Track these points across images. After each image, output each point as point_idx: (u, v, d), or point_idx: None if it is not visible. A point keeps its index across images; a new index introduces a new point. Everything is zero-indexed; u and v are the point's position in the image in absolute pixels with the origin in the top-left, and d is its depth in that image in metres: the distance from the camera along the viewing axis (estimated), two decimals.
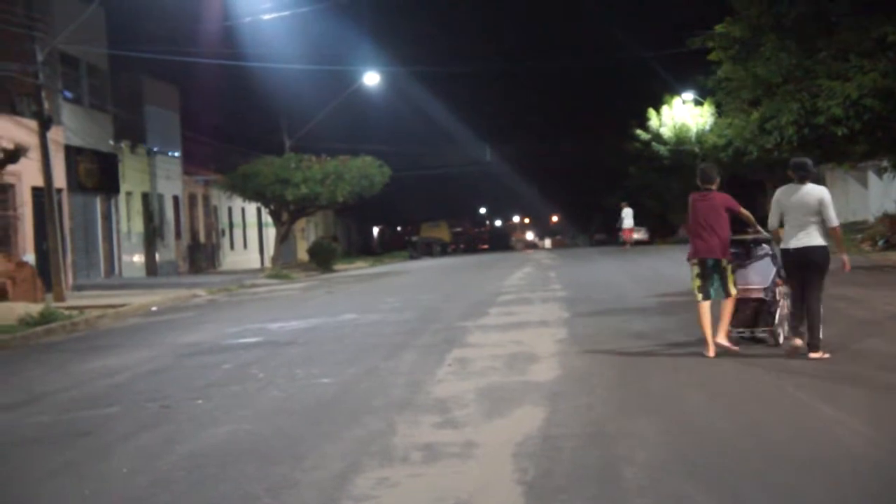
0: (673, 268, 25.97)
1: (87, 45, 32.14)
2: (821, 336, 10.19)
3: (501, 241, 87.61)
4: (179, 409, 9.57)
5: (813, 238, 10.32)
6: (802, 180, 10.56)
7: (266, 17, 35.37)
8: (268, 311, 20.79)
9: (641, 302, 16.86)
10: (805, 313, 10.27)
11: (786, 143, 29.61)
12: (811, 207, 10.33)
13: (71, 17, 28.09)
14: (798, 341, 10.23)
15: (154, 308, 23.45)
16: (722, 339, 10.63)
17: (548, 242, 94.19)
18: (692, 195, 11.29)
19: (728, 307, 10.81)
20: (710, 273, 10.91)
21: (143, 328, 19.10)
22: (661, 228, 58.81)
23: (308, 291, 27.66)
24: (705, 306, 10.78)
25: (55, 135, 26.72)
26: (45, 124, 24.97)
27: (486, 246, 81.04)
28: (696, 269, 10.99)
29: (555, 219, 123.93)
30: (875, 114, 24.48)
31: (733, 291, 10.84)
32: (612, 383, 9.25)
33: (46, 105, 25.31)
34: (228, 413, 9.14)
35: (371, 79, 45.83)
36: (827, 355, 10.03)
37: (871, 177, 37.84)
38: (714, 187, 11.23)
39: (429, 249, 66.00)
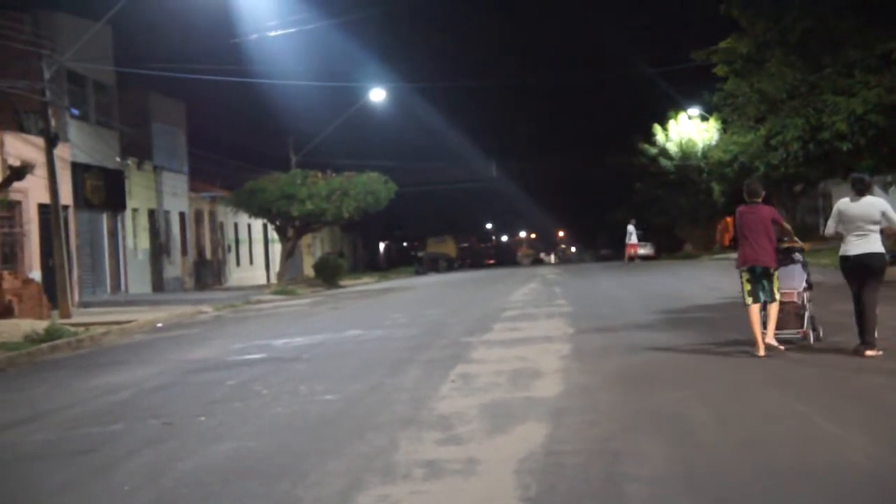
0: (678, 284, 25.99)
1: (94, 63, 32.28)
2: (871, 335, 11.04)
3: (507, 257, 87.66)
4: (183, 426, 9.57)
5: (873, 245, 11.24)
6: (861, 193, 11.45)
7: (272, 34, 35.48)
8: (273, 328, 20.78)
9: (646, 318, 16.81)
10: (860, 315, 11.20)
11: (791, 158, 29.71)
12: (872, 217, 11.21)
13: (78, 35, 28.22)
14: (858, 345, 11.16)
15: (159, 325, 23.45)
16: (771, 340, 11.51)
17: (553, 258, 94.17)
18: (740, 208, 12.13)
19: (774, 311, 11.71)
20: (759, 279, 11.78)
21: (148, 345, 19.10)
22: (667, 243, 58.79)
23: (314, 307, 27.67)
24: (755, 309, 11.65)
25: (62, 152, 26.81)
26: (51, 141, 25.03)
27: (492, 261, 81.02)
28: (746, 276, 11.86)
29: (561, 234, 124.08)
30: (880, 129, 24.56)
31: (778, 296, 11.78)
32: (616, 399, 9.21)
33: (53, 122, 25.38)
34: (232, 430, 9.13)
35: (377, 95, 45.98)
36: (881, 353, 10.89)
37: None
38: (760, 200, 12.12)
39: (435, 265, 66.10)
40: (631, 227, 49.40)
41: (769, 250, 11.78)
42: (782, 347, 11.52)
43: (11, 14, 25.97)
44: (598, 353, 12.53)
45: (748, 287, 11.82)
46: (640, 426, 7.94)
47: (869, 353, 10.94)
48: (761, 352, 11.36)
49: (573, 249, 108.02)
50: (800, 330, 12.09)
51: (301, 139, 47.14)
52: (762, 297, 11.76)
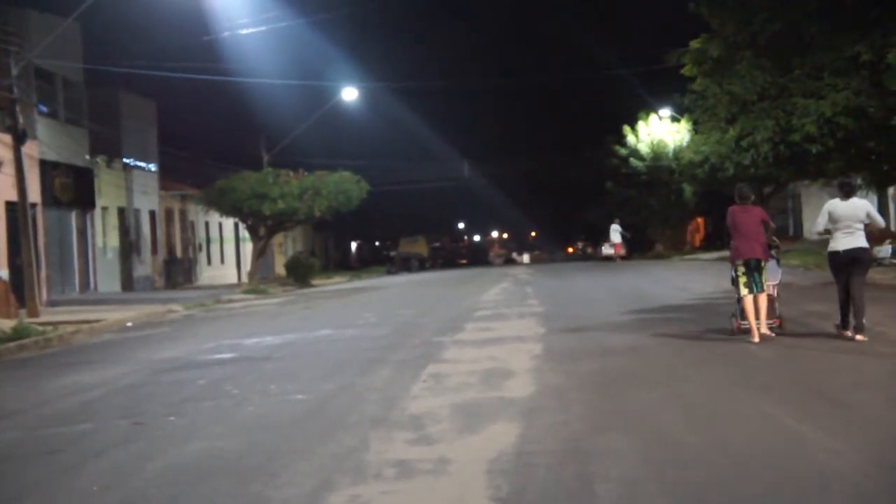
0: (649, 284, 26.08)
1: (63, 60, 32.09)
2: (861, 321, 12.27)
3: (480, 256, 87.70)
4: (153, 425, 9.51)
5: (861, 241, 12.47)
6: (848, 195, 12.71)
7: (245, 31, 35.37)
8: (244, 327, 20.71)
9: (618, 318, 16.86)
10: (850, 304, 12.40)
11: (761, 159, 29.83)
12: (859, 217, 12.45)
13: (47, 32, 28.03)
14: (840, 326, 12.64)
15: (129, 324, 23.33)
16: (764, 329, 12.82)
17: (526, 257, 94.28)
18: (733, 208, 13.39)
19: (764, 301, 12.99)
20: (752, 271, 12.97)
21: (118, 344, 19.00)
22: (639, 244, 59.02)
23: (285, 307, 27.60)
24: (750, 300, 12.85)
25: (30, 149, 26.60)
26: (19, 138, 24.85)
27: (464, 261, 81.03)
28: (742, 269, 13.03)
29: (533, 234, 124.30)
30: (848, 132, 24.71)
31: (766, 288, 13.01)
32: (588, 399, 9.23)
33: (21, 119, 25.19)
34: (202, 429, 9.09)
35: (349, 94, 45.90)
36: (866, 338, 12.09)
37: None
38: (750, 202, 13.46)
39: (407, 265, 66.04)
40: (615, 227, 50.69)
41: (762, 245, 13.08)
42: (773, 335, 12.86)
43: None
44: (569, 353, 12.54)
45: (743, 279, 12.96)
46: (612, 426, 7.96)
47: (859, 336, 12.16)
48: (756, 338, 12.52)
49: (546, 249, 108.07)
50: (776, 319, 13.34)
51: (273, 138, 47.07)
52: (755, 288, 12.86)
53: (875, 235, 14.22)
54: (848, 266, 12.52)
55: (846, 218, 12.48)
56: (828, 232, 12.75)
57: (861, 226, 12.52)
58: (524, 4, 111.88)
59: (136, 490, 7.02)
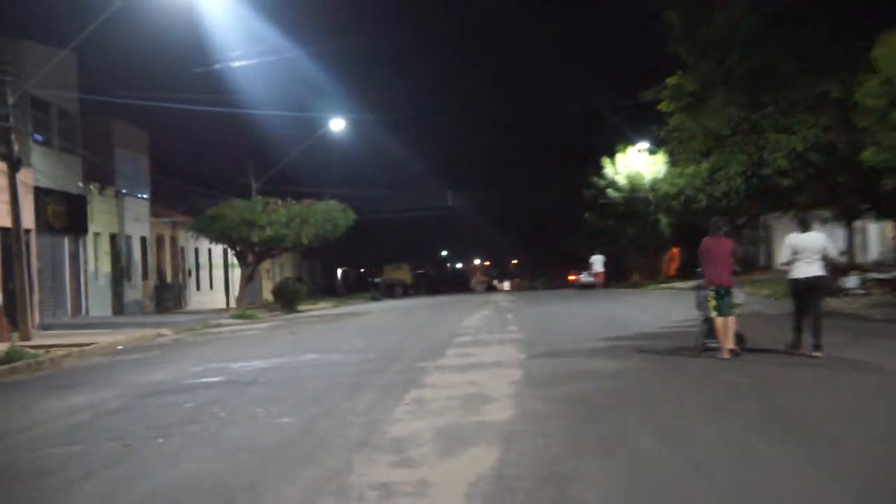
0: (626, 311, 26.15)
1: (58, 90, 32.06)
2: (820, 341, 13.36)
3: (462, 284, 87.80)
4: (141, 447, 9.44)
5: (818, 269, 13.62)
6: (806, 229, 13.96)
7: (236, 64, 35.49)
8: (231, 351, 20.63)
9: (595, 344, 16.87)
10: (805, 327, 13.65)
11: (734, 192, 30.08)
12: (817, 248, 13.61)
13: (42, 62, 27.98)
14: (792, 344, 13.83)
15: (119, 347, 23.22)
16: (731, 345, 13.68)
17: (507, 285, 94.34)
18: (707, 240, 14.33)
19: (732, 323, 13.85)
20: (723, 296, 13.85)
21: (108, 367, 18.88)
22: (616, 273, 59.20)
23: (272, 331, 27.52)
24: (721, 321, 13.77)
25: (24, 176, 26.54)
26: (14, 166, 24.80)
27: (446, 288, 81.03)
28: (713, 294, 13.94)
29: (514, 262, 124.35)
30: (818, 167, 24.91)
31: (734, 311, 13.93)
32: (566, 424, 9.21)
33: (16, 147, 25.15)
34: (189, 452, 9.04)
35: (337, 125, 46.02)
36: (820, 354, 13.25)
37: (814, 227, 38.27)
38: (722, 234, 14.36)
39: (391, 291, 66.09)
40: (599, 257, 52.28)
41: (730, 273, 14.07)
42: (739, 350, 13.75)
43: None
44: (548, 378, 12.53)
45: (713, 303, 13.87)
46: (589, 450, 7.95)
47: (816, 354, 13.25)
48: (725, 354, 13.53)
49: (526, 277, 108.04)
50: (741, 341, 14.12)
51: (262, 166, 47.05)
52: (724, 311, 13.76)
53: (838, 265, 15.41)
54: (807, 291, 13.71)
55: (805, 249, 13.66)
56: (792, 262, 13.81)
57: (819, 256, 13.66)
58: (511, 42, 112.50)
59: None
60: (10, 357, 18.95)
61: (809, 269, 13.67)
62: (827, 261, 13.89)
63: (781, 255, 14.32)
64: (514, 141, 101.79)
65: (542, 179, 78.47)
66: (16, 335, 23.63)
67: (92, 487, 7.83)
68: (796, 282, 13.79)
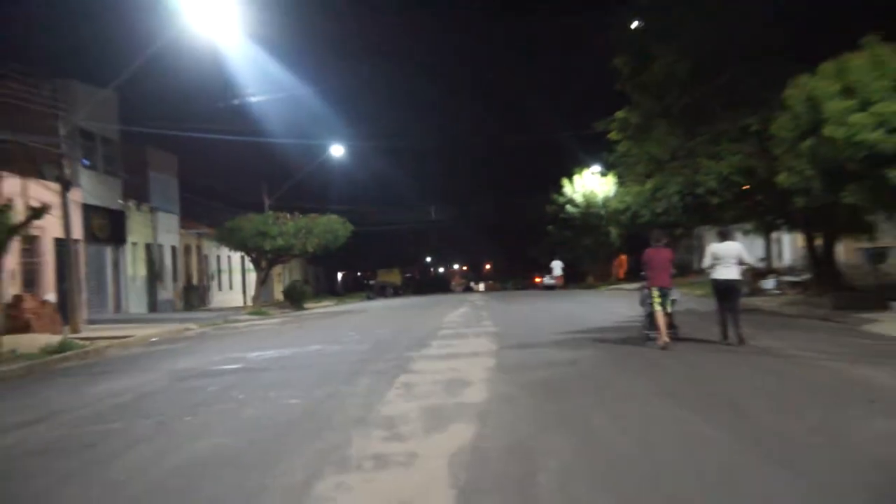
0: (583, 309, 26.19)
1: (102, 122, 31.99)
2: (739, 332, 13.63)
3: (443, 285, 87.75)
4: (172, 424, 9.41)
5: (735, 273, 13.99)
6: (725, 239, 14.32)
7: (253, 99, 35.50)
8: (248, 343, 20.55)
9: (556, 337, 16.88)
10: (729, 321, 13.85)
11: (672, 208, 30.19)
12: (733, 255, 13.95)
13: (88, 99, 27.98)
14: (723, 334, 13.91)
15: (153, 339, 23.11)
16: (667, 336, 13.84)
17: (482, 286, 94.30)
18: (649, 250, 14.58)
19: (668, 317, 14.14)
20: (663, 295, 14.14)
21: (144, 356, 18.81)
22: (573, 276, 59.38)
23: (282, 326, 27.45)
24: (660, 315, 14.01)
25: (74, 195, 26.44)
26: (65, 187, 24.76)
27: (430, 289, 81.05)
28: (657, 293, 14.18)
29: (488, 266, 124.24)
30: (741, 187, 25.02)
31: (670, 308, 14.29)
32: (532, 404, 9.21)
33: (67, 171, 25.13)
34: (213, 428, 9.00)
35: (336, 150, 46.07)
36: (737, 341, 13.53)
37: (739, 237, 38.54)
38: (662, 244, 14.61)
39: (383, 291, 66.00)
40: (558, 262, 52.56)
41: (669, 277, 14.37)
42: (673, 337, 13.99)
43: (35, 81, 25.69)
44: (517, 366, 12.52)
45: (658, 300, 14.13)
46: (551, 427, 7.96)
47: (736, 343, 13.46)
48: (663, 340, 13.75)
49: (498, 279, 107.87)
50: (675, 330, 14.47)
51: (273, 186, 47.00)
52: (666, 307, 14.11)
53: (758, 271, 15.74)
54: (725, 291, 13.98)
55: (724, 256, 13.99)
56: (712, 266, 14.13)
57: (735, 262, 13.97)
58: (488, 82, 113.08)
59: (158, 479, 6.94)
60: (62, 347, 18.88)
61: (727, 272, 13.98)
62: (743, 266, 14.22)
63: (704, 261, 14.61)
64: (490, 164, 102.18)
65: (512, 197, 78.74)
66: (67, 328, 23.52)
67: (131, 458, 7.79)
68: (716, 282, 14.10)
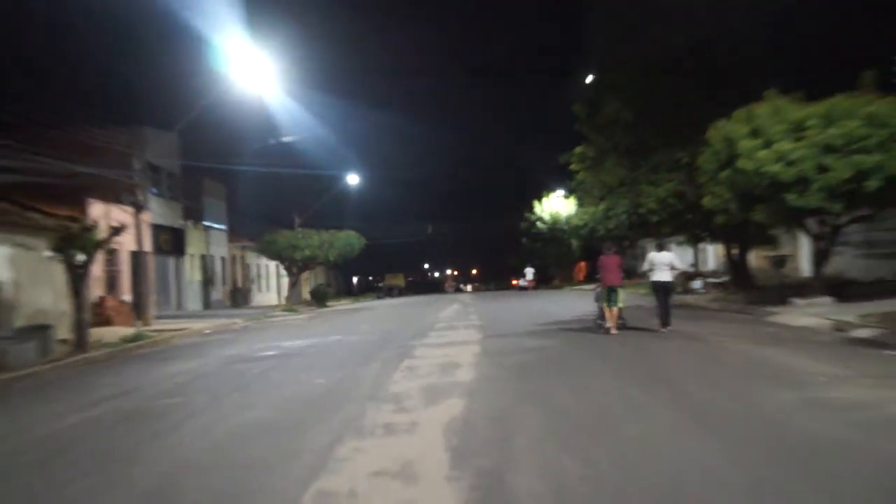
0: (550, 306, 26.22)
1: (166, 158, 31.97)
2: (670, 322, 14.12)
3: (438, 287, 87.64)
4: (223, 399, 9.44)
5: (667, 276, 14.36)
6: (661, 249, 14.67)
7: (286, 139, 35.62)
8: (282, 334, 20.54)
9: (529, 328, 16.90)
10: (664, 312, 14.15)
11: (621, 225, 30.24)
12: (666, 262, 14.34)
13: (155, 141, 28.06)
14: (660, 325, 14.14)
15: (207, 331, 23.07)
16: (615, 326, 14.12)
17: (469, 288, 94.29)
18: (602, 257, 14.76)
19: (616, 311, 14.21)
20: (612, 293, 14.23)
21: (199, 345, 18.80)
22: (543, 279, 59.43)
23: (309, 321, 27.42)
24: (608, 310, 14.21)
25: (144, 217, 26.36)
26: (138, 210, 24.72)
27: (427, 290, 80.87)
28: (606, 292, 14.32)
29: (475, 271, 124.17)
30: (674, 208, 25.11)
31: (620, 304, 14.32)
32: (510, 383, 9.23)
33: (139, 198, 25.07)
34: (255, 403, 9.03)
35: (352, 179, 46.28)
36: (670, 329, 13.92)
37: (672, 248, 38.67)
38: (612, 251, 14.80)
39: (390, 292, 65.88)
40: (530, 269, 52.80)
41: (619, 278, 14.41)
42: (616, 332, 14.04)
43: (115, 128, 26.12)
44: (498, 352, 12.55)
45: (607, 298, 14.28)
46: (525, 401, 7.99)
47: (666, 329, 13.82)
48: (612, 331, 13.94)
49: (483, 282, 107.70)
50: (623, 321, 14.63)
51: (302, 207, 46.92)
52: (613, 303, 14.20)
53: (688, 274, 16.26)
54: (660, 290, 14.28)
55: (659, 262, 14.34)
56: (650, 270, 14.52)
57: (668, 267, 14.31)
58: (480, 127, 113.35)
59: (215, 441, 7.00)
60: (136, 337, 18.92)
61: (662, 275, 14.28)
62: (675, 270, 14.58)
63: (644, 266, 15.08)
64: (478, 189, 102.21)
65: (494, 215, 78.87)
66: (139, 322, 23.48)
67: (191, 426, 7.83)
68: (654, 283, 14.41)
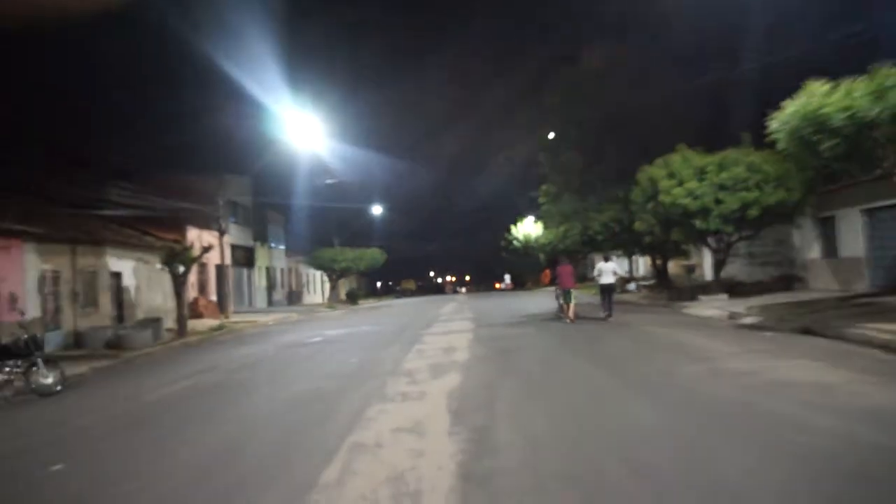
0: (525, 303, 26.12)
1: (242, 196, 32.03)
2: (612, 314, 13.83)
3: (441, 289, 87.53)
4: (282, 374, 9.42)
5: (611, 279, 14.12)
6: (606, 260, 14.51)
7: (329, 181, 35.67)
8: (324, 326, 20.43)
9: (512, 319, 16.79)
10: (607, 307, 13.84)
11: (575, 242, 30.17)
12: (609, 269, 14.12)
13: (233, 182, 28.16)
14: (605, 316, 13.81)
15: (270, 323, 22.99)
16: (572, 317, 13.84)
17: (464, 290, 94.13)
18: (558, 266, 14.73)
19: (573, 307, 14.03)
20: (567, 294, 14.19)
21: (264, 333, 18.73)
22: (518, 284, 59.36)
23: (345, 316, 27.32)
24: (566, 306, 14.09)
25: (225, 239, 26.39)
26: (221, 234, 24.73)
27: (432, 292, 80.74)
28: (562, 294, 14.37)
29: (468, 277, 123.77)
30: (614, 230, 25.12)
31: (573, 301, 14.15)
32: (496, 361, 9.17)
33: (223, 225, 25.12)
34: (305, 377, 8.99)
35: (377, 209, 46.41)
36: (612, 319, 13.58)
37: (614, 258, 38.50)
38: (567, 262, 14.93)
39: (404, 294, 65.70)
40: (508, 276, 52.45)
41: (572, 282, 14.38)
42: (576, 320, 13.82)
43: (206, 176, 26.54)
44: (486, 338, 12.48)
45: (564, 297, 14.23)
46: (507, 375, 7.94)
47: (610, 319, 13.55)
48: (569, 321, 13.69)
49: (474, 285, 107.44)
50: (575, 315, 14.14)
51: (340, 229, 46.85)
52: (568, 301, 14.08)
53: (625, 278, 16.20)
54: (606, 290, 14.01)
55: (604, 269, 14.16)
56: (598, 275, 14.37)
57: (612, 273, 14.11)
58: (470, 167, 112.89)
59: (278, 405, 7.01)
60: (220, 327, 18.99)
61: (606, 279, 14.08)
62: (616, 275, 14.39)
63: (594, 272, 15.41)
64: (469, 212, 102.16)
65: (483, 233, 78.84)
66: (222, 316, 23.44)
67: (260, 393, 7.84)
68: (601, 285, 14.21)
